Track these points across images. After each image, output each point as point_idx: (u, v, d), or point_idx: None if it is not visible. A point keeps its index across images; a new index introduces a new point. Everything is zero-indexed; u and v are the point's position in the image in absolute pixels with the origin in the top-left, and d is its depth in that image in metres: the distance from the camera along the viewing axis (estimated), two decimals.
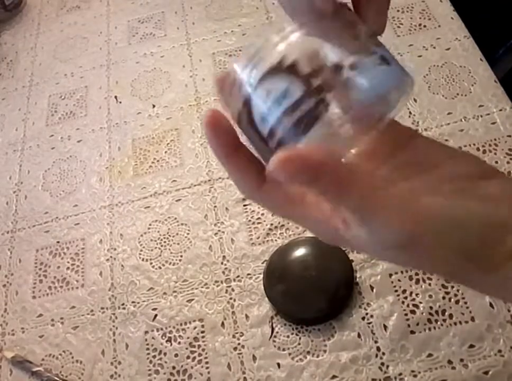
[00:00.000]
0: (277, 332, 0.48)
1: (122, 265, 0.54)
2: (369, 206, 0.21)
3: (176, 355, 0.48)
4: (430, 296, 0.47)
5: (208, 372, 0.47)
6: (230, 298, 0.50)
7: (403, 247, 0.23)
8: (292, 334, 0.47)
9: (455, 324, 0.45)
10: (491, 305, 0.45)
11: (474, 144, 0.55)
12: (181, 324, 0.50)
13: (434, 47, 0.63)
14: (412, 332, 0.45)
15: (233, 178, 0.25)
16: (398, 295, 0.47)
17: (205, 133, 0.23)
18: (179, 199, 0.58)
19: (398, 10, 0.68)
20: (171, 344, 0.49)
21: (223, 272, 0.52)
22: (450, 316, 0.45)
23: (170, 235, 0.56)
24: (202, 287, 0.51)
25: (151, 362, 0.48)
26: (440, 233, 0.22)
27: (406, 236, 0.22)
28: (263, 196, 0.25)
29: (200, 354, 0.48)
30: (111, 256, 0.55)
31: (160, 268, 0.53)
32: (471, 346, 0.44)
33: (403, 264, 0.26)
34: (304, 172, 0.20)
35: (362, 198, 0.21)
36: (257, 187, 0.25)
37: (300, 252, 0.50)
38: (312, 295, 0.47)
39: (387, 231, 0.22)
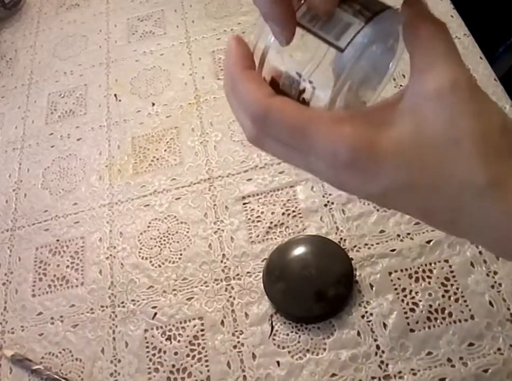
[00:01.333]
0: (276, 330, 0.48)
1: (122, 264, 0.54)
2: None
3: (176, 353, 0.48)
4: (430, 294, 0.47)
5: (208, 370, 0.47)
6: (230, 296, 0.50)
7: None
8: (292, 332, 0.47)
9: (455, 322, 0.45)
10: (490, 303, 0.45)
11: None
12: (180, 322, 0.50)
13: None
14: (412, 330, 0.45)
15: (245, 89, 0.26)
16: (398, 293, 0.47)
17: (228, 45, 0.28)
18: (179, 198, 0.58)
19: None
20: (171, 342, 0.49)
21: (223, 271, 0.52)
22: (450, 314, 0.45)
23: (169, 234, 0.56)
24: (201, 285, 0.51)
25: (150, 360, 0.48)
26: None
27: None
28: (272, 110, 0.25)
29: (199, 353, 0.48)
30: (110, 255, 0.55)
31: (160, 266, 0.53)
32: (471, 344, 0.44)
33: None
34: None
35: None
36: (266, 103, 0.25)
37: (299, 250, 0.50)
38: (311, 293, 0.47)
39: None
